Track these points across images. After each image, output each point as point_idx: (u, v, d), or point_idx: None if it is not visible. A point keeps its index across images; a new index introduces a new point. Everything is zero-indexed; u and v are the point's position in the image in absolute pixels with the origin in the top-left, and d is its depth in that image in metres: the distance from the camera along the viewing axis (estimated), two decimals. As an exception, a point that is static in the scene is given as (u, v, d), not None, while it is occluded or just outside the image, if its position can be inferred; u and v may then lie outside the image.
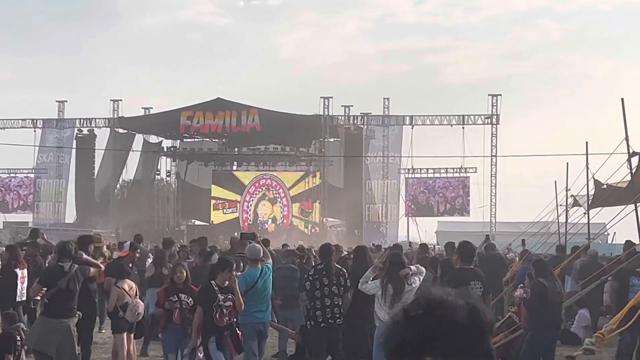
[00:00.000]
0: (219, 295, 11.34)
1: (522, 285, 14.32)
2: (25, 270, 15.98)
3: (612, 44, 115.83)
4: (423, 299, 2.63)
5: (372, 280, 11.34)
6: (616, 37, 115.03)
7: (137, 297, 13.49)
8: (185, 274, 12.73)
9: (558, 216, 30.58)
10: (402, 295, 10.98)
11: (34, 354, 11.84)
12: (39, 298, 13.44)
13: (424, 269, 11.83)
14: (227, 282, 11.52)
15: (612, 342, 12.77)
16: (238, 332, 11.55)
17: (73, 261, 11.81)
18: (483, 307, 2.55)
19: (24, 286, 15.82)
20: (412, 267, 11.69)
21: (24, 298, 15.82)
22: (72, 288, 11.61)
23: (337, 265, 12.83)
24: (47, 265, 16.38)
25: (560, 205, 31.26)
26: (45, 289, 11.77)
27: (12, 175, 68.53)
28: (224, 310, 11.31)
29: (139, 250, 18.66)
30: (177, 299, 12.23)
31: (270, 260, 12.71)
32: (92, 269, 12.39)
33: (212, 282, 11.51)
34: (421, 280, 11.49)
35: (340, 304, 12.14)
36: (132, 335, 13.62)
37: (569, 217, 29.55)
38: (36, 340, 11.69)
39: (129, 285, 13.39)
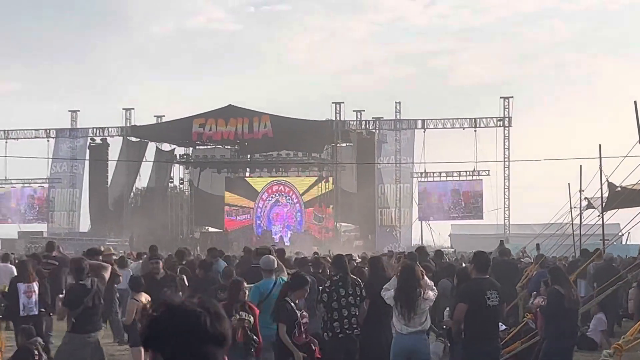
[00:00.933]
0: (297, 312, 10.97)
1: (535, 293, 14.32)
2: (34, 284, 15.96)
3: (622, 43, 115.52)
4: (164, 303, 3.09)
5: (392, 289, 11.34)
6: (625, 36, 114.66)
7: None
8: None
9: (572, 219, 30.52)
10: (417, 308, 10.99)
11: None
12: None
13: (436, 290, 11.83)
14: (297, 300, 11.11)
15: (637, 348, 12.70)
16: (314, 348, 11.15)
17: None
18: (219, 318, 2.98)
19: (31, 300, 15.80)
20: (428, 281, 11.71)
21: (33, 312, 15.81)
22: (97, 303, 11.70)
23: (352, 275, 12.84)
24: (64, 279, 16.46)
25: (574, 207, 31.24)
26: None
27: (26, 185, 68.73)
28: (302, 328, 10.96)
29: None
30: (239, 316, 11.45)
31: (285, 274, 12.71)
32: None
33: (287, 299, 11.02)
34: (435, 295, 11.50)
35: (356, 314, 12.16)
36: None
37: (583, 220, 29.50)
38: (68, 358, 11.70)
39: (145, 298, 13.43)
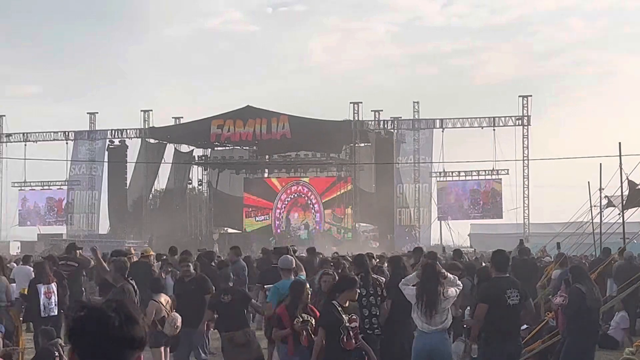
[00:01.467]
0: (343, 316, 10.16)
1: (559, 292, 14.21)
2: (53, 285, 16.01)
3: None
4: (84, 304, 3.41)
5: (413, 285, 11.27)
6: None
7: (173, 310, 13.49)
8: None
9: (592, 217, 30.37)
10: (438, 306, 10.93)
11: None
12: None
13: (460, 283, 11.74)
14: (348, 302, 10.46)
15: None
16: (364, 354, 10.47)
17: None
18: (131, 321, 3.24)
19: (51, 301, 15.85)
20: (449, 275, 11.64)
21: (53, 313, 15.86)
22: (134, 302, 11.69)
23: (373, 275, 12.79)
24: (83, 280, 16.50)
25: (595, 206, 31.08)
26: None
27: (45, 188, 69.01)
28: (351, 333, 10.14)
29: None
30: (302, 318, 11.14)
31: (303, 273, 12.66)
32: None
33: (334, 302, 10.30)
34: (458, 292, 11.42)
35: (377, 314, 12.10)
36: (168, 349, 13.66)
37: (603, 218, 29.36)
38: None
39: (165, 299, 13.42)
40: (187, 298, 13.63)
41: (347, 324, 10.08)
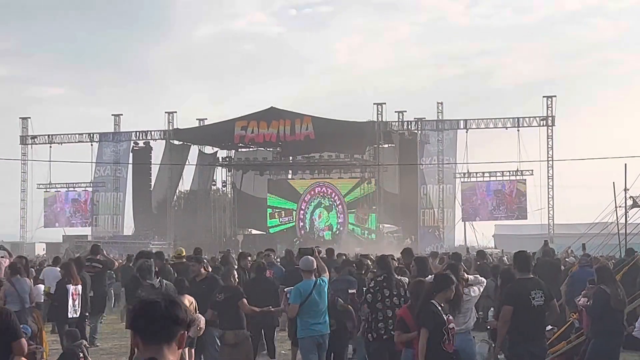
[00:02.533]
0: (444, 316, 9.72)
1: (582, 292, 14.14)
2: (79, 287, 16.10)
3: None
4: (139, 298, 4.56)
5: None
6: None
7: (197, 312, 13.48)
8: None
9: (618, 218, 30.20)
10: (460, 306, 10.89)
11: None
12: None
13: (483, 279, 11.70)
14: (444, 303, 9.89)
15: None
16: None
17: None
18: (174, 304, 4.18)
19: (76, 302, 15.93)
20: (470, 276, 11.60)
21: (77, 314, 15.95)
22: None
23: (396, 276, 12.75)
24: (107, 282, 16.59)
25: (620, 206, 30.90)
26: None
27: (70, 189, 69.39)
28: (450, 334, 9.72)
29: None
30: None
31: (326, 274, 12.61)
32: None
33: (433, 301, 9.79)
34: (481, 290, 11.37)
35: (401, 315, 12.05)
36: (192, 351, 13.68)
37: (628, 219, 29.19)
38: None
39: (189, 300, 13.42)
40: (199, 298, 13.59)
41: (448, 326, 9.68)
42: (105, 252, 20.35)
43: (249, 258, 18.67)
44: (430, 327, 9.60)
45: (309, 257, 12.46)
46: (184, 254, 20.15)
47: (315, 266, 12.28)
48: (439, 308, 9.68)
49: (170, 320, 4.17)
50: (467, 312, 11.04)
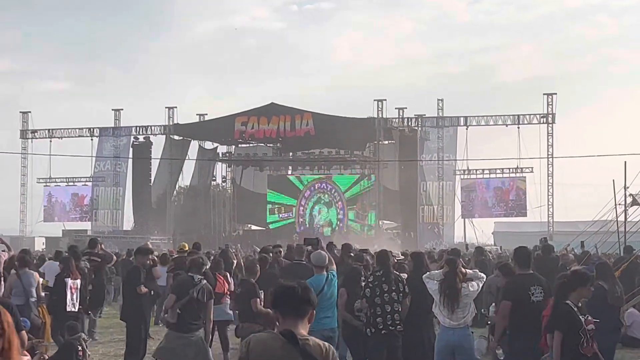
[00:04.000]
0: (581, 317, 9.17)
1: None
2: (78, 281, 16.09)
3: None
4: (281, 283, 5.65)
5: (437, 281, 11.24)
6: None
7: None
8: None
9: (617, 216, 30.21)
10: (459, 300, 10.91)
11: None
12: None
13: (483, 275, 11.71)
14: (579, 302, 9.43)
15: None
16: None
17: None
18: (307, 290, 5.33)
19: (74, 297, 15.92)
20: (469, 271, 11.62)
21: (75, 308, 15.94)
22: (201, 299, 11.65)
23: (395, 271, 12.76)
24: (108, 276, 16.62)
25: (619, 204, 30.90)
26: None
27: (70, 184, 69.37)
28: (589, 336, 9.11)
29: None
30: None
31: (334, 267, 12.60)
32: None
33: (568, 302, 9.30)
34: (480, 285, 11.38)
35: (399, 310, 12.06)
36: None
37: (628, 216, 29.20)
38: (171, 357, 11.54)
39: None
40: None
41: (587, 327, 9.13)
42: (102, 246, 20.28)
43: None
44: (563, 329, 9.16)
45: (322, 252, 12.43)
46: (187, 248, 20.17)
47: (327, 261, 12.24)
48: (575, 309, 9.24)
49: (304, 301, 5.31)
50: (465, 307, 11.05)
